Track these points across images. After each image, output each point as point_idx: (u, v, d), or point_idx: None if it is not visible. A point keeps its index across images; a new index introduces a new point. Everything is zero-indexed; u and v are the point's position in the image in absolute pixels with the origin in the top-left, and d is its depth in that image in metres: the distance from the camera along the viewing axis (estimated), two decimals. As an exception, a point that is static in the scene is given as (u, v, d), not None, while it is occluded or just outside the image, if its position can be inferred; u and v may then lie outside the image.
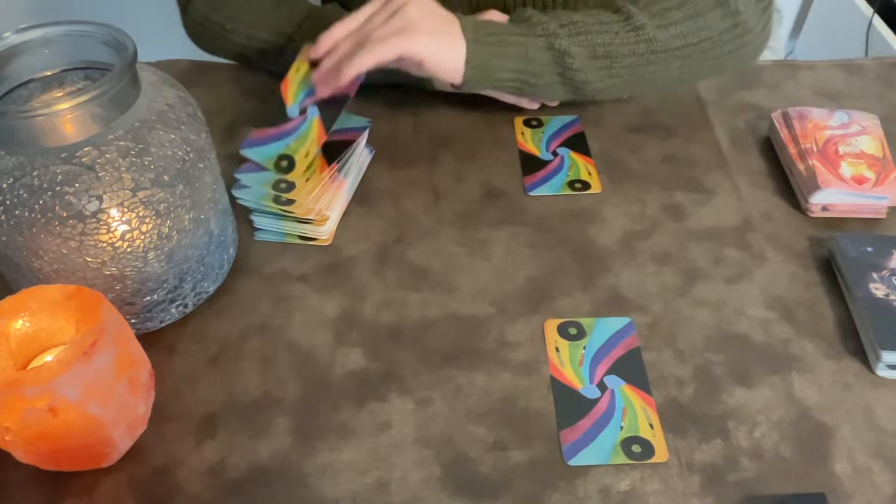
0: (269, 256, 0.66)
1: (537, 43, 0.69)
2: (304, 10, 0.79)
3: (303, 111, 0.70)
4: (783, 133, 0.74)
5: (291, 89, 0.70)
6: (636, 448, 0.53)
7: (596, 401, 0.56)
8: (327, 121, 0.70)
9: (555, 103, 0.79)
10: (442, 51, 0.67)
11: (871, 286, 0.61)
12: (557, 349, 0.59)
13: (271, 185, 0.67)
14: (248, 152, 0.68)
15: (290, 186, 0.67)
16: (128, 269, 0.55)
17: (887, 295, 0.60)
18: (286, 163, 0.67)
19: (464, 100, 0.79)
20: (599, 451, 0.53)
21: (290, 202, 0.66)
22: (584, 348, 0.59)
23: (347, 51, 0.67)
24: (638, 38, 0.70)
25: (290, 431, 0.55)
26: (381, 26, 0.67)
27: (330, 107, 0.71)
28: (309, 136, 0.69)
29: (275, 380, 0.58)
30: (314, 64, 0.70)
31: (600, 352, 0.59)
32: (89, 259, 0.53)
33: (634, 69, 0.71)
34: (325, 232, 0.67)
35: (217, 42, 0.82)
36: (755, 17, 0.73)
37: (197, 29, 0.83)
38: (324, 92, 0.69)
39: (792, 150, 0.72)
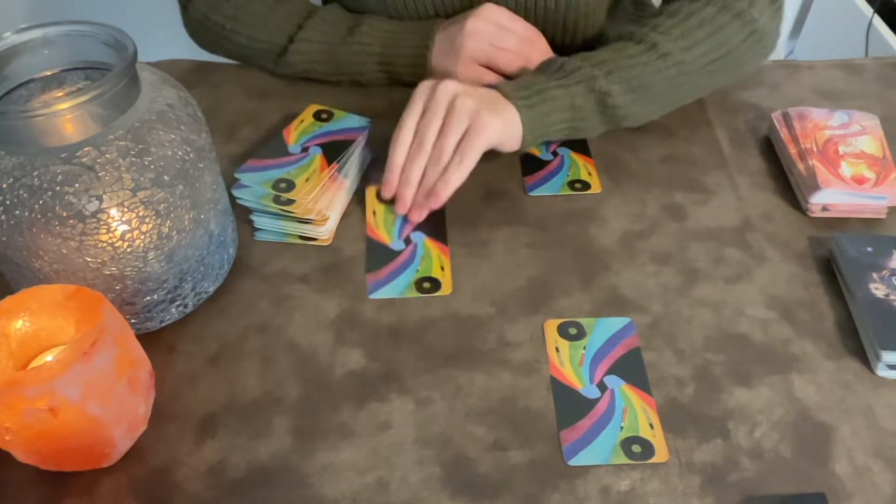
0: (269, 256, 0.66)
1: (579, 90, 0.69)
2: (304, 10, 0.79)
3: (305, 149, 0.70)
4: (783, 133, 0.74)
5: (293, 136, 0.72)
6: (636, 448, 0.53)
7: (596, 401, 0.56)
8: (331, 158, 0.70)
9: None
10: (507, 127, 0.67)
11: (871, 286, 0.61)
12: (557, 349, 0.59)
13: (271, 184, 0.67)
14: (244, 177, 0.67)
15: (290, 186, 0.67)
16: (128, 269, 0.55)
17: (887, 295, 0.60)
18: (285, 185, 0.67)
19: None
20: (599, 451, 0.53)
21: (290, 202, 0.66)
22: (584, 348, 0.59)
23: (431, 174, 0.66)
24: (667, 64, 0.71)
25: (290, 431, 0.55)
26: (445, 131, 0.65)
27: (335, 149, 0.71)
28: (311, 167, 0.69)
29: (275, 380, 0.58)
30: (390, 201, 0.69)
31: (600, 352, 0.59)
32: (89, 259, 0.53)
33: (668, 93, 0.73)
34: (325, 232, 0.67)
35: (217, 42, 0.82)
36: (769, 21, 0.75)
37: (197, 28, 0.83)
38: (419, 218, 0.67)
39: (792, 150, 0.72)
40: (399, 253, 0.66)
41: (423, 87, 0.67)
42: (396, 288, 0.63)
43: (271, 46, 0.80)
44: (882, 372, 0.58)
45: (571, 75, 0.69)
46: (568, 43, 0.83)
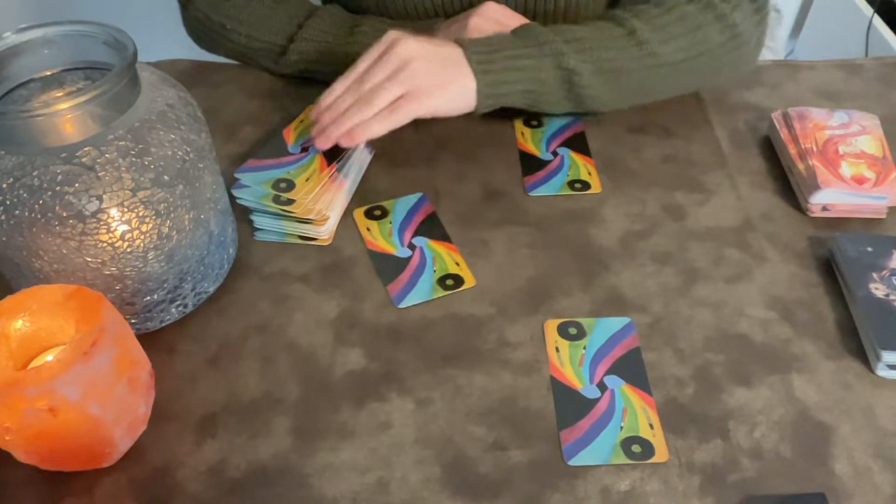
0: (269, 256, 0.66)
1: (545, 63, 0.69)
2: (305, 10, 0.79)
3: (305, 149, 0.70)
4: (783, 133, 0.74)
5: (293, 135, 0.72)
6: (636, 448, 0.53)
7: (596, 401, 0.56)
8: (330, 158, 0.70)
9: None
10: (454, 97, 0.68)
11: (871, 286, 0.61)
12: (557, 349, 0.59)
13: (271, 184, 0.67)
14: (244, 177, 0.67)
15: (291, 186, 0.67)
16: (128, 269, 0.55)
17: (887, 295, 0.60)
18: (285, 184, 0.67)
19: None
20: (599, 451, 0.53)
21: (290, 202, 0.66)
22: (584, 348, 0.59)
23: (353, 112, 0.66)
24: (642, 53, 0.70)
25: (290, 431, 0.55)
26: (385, 85, 0.66)
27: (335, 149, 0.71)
28: (311, 167, 0.69)
29: (275, 380, 0.58)
30: None
31: (600, 352, 0.59)
32: (89, 259, 0.53)
33: (640, 83, 0.72)
34: (325, 232, 0.67)
35: (217, 41, 0.82)
36: (750, 29, 0.74)
37: (197, 27, 0.83)
38: (323, 145, 0.68)
39: (792, 150, 0.72)
40: (408, 259, 0.65)
41: (386, 39, 0.68)
42: (423, 291, 0.63)
43: (272, 46, 0.80)
44: (882, 372, 0.58)
45: (542, 47, 0.69)
46: None
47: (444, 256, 0.65)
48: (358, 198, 0.71)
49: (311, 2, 0.81)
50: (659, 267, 0.65)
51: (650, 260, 0.66)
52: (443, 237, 0.67)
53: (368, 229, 0.68)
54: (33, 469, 0.51)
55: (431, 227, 0.68)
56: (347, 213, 0.70)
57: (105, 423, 0.49)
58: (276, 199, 0.66)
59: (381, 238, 0.67)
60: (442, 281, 0.63)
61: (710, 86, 0.81)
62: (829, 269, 0.65)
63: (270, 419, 0.56)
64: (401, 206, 0.70)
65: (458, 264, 0.65)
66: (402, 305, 0.62)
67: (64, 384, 0.46)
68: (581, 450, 0.53)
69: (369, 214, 0.69)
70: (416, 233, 0.68)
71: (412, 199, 0.71)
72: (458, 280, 0.64)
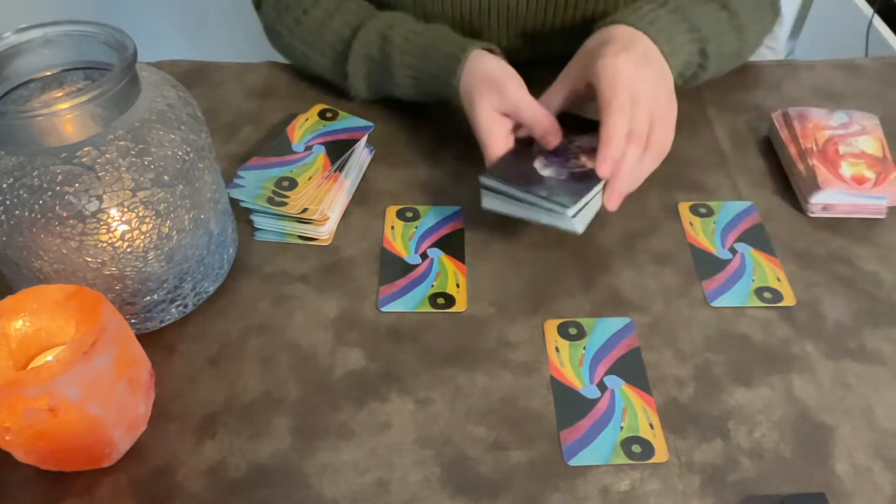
0: (269, 256, 0.66)
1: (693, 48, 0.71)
2: (356, 19, 0.76)
3: (308, 148, 0.70)
4: (783, 133, 0.74)
5: (297, 134, 0.72)
6: (636, 448, 0.53)
7: (596, 401, 0.56)
8: (334, 158, 0.70)
9: None
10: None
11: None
12: (557, 349, 0.59)
13: (274, 182, 0.67)
14: (247, 175, 0.67)
15: (293, 184, 0.67)
16: (128, 269, 0.55)
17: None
18: (287, 183, 0.67)
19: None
20: (599, 451, 0.53)
21: (283, 203, 0.66)
22: (584, 348, 0.59)
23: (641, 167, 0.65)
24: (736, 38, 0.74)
25: (290, 431, 0.55)
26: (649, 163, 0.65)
27: (337, 148, 0.71)
28: (314, 166, 0.69)
29: (275, 380, 0.58)
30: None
31: (600, 352, 0.59)
32: (89, 259, 0.53)
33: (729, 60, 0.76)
34: (325, 232, 0.67)
35: (284, 50, 0.82)
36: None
37: (269, 32, 0.83)
38: (614, 206, 0.64)
39: (792, 150, 0.72)
40: (414, 267, 0.65)
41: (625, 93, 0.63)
42: (410, 302, 0.62)
43: (327, 62, 0.78)
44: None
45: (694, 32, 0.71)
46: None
47: (449, 274, 0.65)
48: (358, 198, 0.71)
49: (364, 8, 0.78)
50: (659, 267, 0.65)
51: (650, 260, 0.66)
52: (458, 256, 0.66)
53: (393, 227, 0.68)
54: (33, 469, 0.51)
55: (451, 243, 0.67)
56: (349, 213, 0.70)
57: (105, 423, 0.49)
58: (271, 200, 0.66)
59: (400, 240, 0.67)
60: (434, 297, 0.63)
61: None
62: (830, 269, 0.65)
63: (270, 419, 0.56)
64: (433, 214, 0.70)
65: (458, 286, 0.64)
66: (384, 309, 0.62)
67: (64, 384, 0.46)
68: (581, 450, 0.53)
69: (401, 215, 0.69)
70: (436, 244, 0.67)
71: (448, 209, 0.70)
72: (450, 301, 0.63)
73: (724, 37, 0.73)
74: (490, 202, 0.65)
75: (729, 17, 0.72)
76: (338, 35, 0.76)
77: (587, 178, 0.64)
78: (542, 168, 0.65)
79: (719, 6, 0.72)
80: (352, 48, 0.75)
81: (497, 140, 0.67)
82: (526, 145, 0.68)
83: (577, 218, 0.62)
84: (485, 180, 0.65)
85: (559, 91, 0.68)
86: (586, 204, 0.63)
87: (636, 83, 0.63)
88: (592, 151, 0.63)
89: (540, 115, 0.66)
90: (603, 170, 0.62)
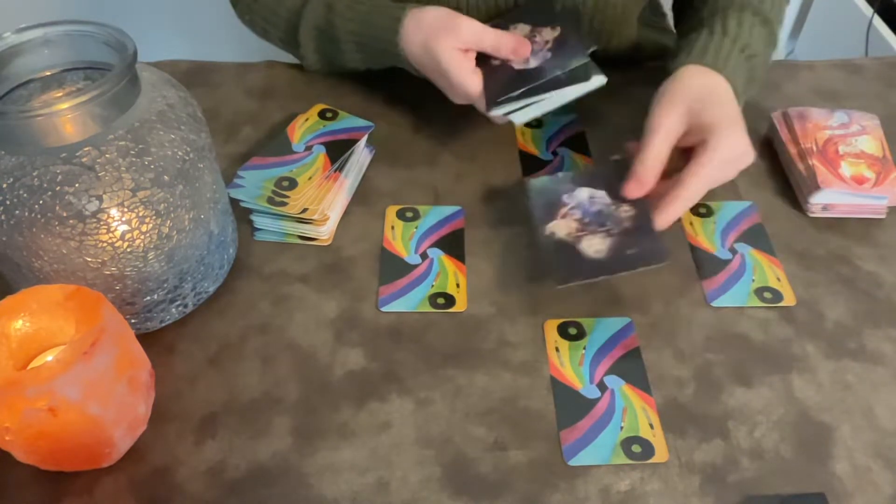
0: (269, 256, 0.66)
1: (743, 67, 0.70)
2: None
3: (308, 147, 0.70)
4: (783, 133, 0.74)
5: (297, 134, 0.72)
6: (636, 448, 0.53)
7: (596, 401, 0.56)
8: (334, 157, 0.70)
9: None
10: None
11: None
12: (557, 349, 0.59)
13: (274, 182, 0.67)
14: (247, 175, 0.67)
15: (293, 184, 0.67)
16: (128, 269, 0.55)
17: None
18: (287, 183, 0.67)
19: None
20: (599, 451, 0.53)
21: (284, 203, 0.66)
22: (584, 348, 0.59)
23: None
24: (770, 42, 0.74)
25: (290, 431, 0.55)
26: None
27: (337, 148, 0.71)
28: (314, 166, 0.69)
29: (275, 380, 0.58)
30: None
31: (600, 352, 0.59)
32: (89, 259, 0.53)
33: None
34: (325, 232, 0.67)
35: (250, 24, 0.83)
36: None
37: (235, 5, 0.83)
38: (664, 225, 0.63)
39: (792, 150, 0.72)
40: (415, 267, 0.65)
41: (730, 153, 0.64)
42: (410, 302, 0.62)
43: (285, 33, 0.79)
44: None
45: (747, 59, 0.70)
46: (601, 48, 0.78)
47: (449, 274, 0.64)
48: (358, 198, 0.71)
49: None
50: (659, 267, 0.65)
51: (650, 260, 0.66)
52: (458, 256, 0.66)
53: (393, 227, 0.68)
54: (33, 469, 0.51)
55: (451, 243, 0.67)
56: (349, 213, 0.70)
57: (105, 423, 0.49)
58: (271, 200, 0.66)
59: (400, 240, 0.67)
60: (434, 297, 0.63)
61: None
62: (830, 269, 0.65)
63: (270, 419, 0.56)
64: (433, 214, 0.70)
65: (458, 286, 0.64)
66: (384, 309, 0.62)
67: (64, 384, 0.46)
68: (581, 450, 0.53)
69: (401, 215, 0.69)
70: (436, 244, 0.67)
71: (448, 209, 0.70)
72: (450, 301, 0.63)
73: (767, 57, 0.73)
74: (519, 116, 0.68)
75: (768, 34, 0.73)
76: (290, 7, 0.78)
77: (571, 47, 0.69)
78: (530, 62, 0.69)
79: (761, 21, 0.72)
80: (302, 18, 0.77)
81: (472, 74, 0.68)
82: (491, 63, 0.70)
83: (596, 69, 0.67)
84: (496, 110, 0.68)
85: (663, 141, 0.64)
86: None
87: (735, 164, 0.64)
88: (551, 31, 0.71)
89: (501, 37, 0.69)
90: (646, 194, 0.63)
